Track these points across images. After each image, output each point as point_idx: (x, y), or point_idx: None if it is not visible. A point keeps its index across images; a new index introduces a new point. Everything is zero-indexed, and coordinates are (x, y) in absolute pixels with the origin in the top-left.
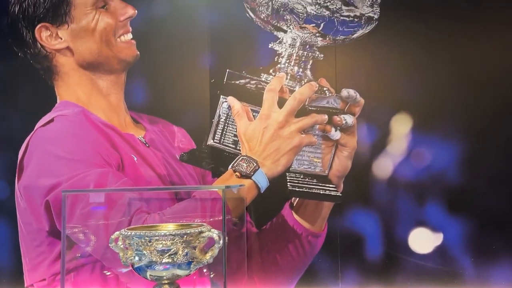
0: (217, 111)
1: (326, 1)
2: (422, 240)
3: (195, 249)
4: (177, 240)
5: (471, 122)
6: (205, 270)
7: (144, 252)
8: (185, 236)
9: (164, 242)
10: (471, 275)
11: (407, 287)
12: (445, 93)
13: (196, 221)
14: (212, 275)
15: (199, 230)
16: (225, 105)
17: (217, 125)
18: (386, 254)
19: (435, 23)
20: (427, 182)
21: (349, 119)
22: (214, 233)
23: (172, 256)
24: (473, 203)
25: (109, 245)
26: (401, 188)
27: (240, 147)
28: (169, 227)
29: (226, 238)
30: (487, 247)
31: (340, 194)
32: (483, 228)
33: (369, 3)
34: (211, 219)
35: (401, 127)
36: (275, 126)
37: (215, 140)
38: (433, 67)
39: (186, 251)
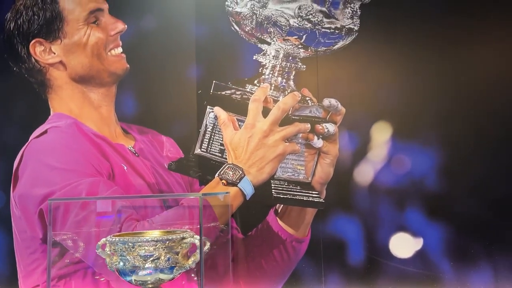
0: (204, 121)
1: (308, 14)
2: (403, 245)
3: (177, 255)
4: (159, 245)
5: (449, 130)
6: (193, 275)
7: (128, 257)
8: (167, 242)
9: (146, 247)
10: (451, 279)
11: None
12: (424, 102)
13: (184, 227)
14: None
15: (182, 236)
16: (211, 115)
17: (204, 135)
18: (368, 258)
19: (414, 34)
20: (407, 188)
21: (331, 128)
22: (196, 239)
23: (155, 261)
24: (451, 209)
25: (96, 251)
26: (381, 194)
27: (226, 155)
28: (154, 234)
29: (208, 244)
30: (465, 251)
31: (323, 201)
32: (462, 233)
33: (349, 15)
34: (199, 226)
35: (381, 135)
36: (260, 135)
37: (202, 149)
38: (412, 77)
39: (168, 256)
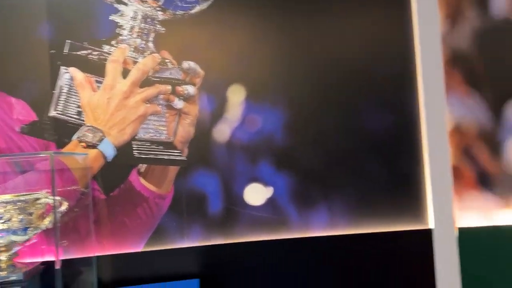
0: (58, 82)
1: None
2: (256, 194)
3: (31, 215)
4: (9, 207)
5: (295, 92)
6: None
7: None
8: (18, 203)
9: None
10: (296, 221)
11: (245, 235)
12: (273, 67)
13: (43, 191)
14: (65, 244)
15: (35, 197)
16: (66, 76)
17: (59, 96)
18: (226, 208)
19: (267, 3)
20: (258, 144)
21: (191, 89)
22: (51, 199)
23: (6, 222)
24: (296, 161)
25: None
26: (237, 150)
27: (84, 117)
28: (6, 196)
29: (66, 204)
30: (307, 197)
31: (185, 158)
32: (304, 181)
33: None
34: (60, 189)
35: (236, 97)
36: (120, 96)
37: (57, 111)
38: (264, 43)
39: (21, 217)
